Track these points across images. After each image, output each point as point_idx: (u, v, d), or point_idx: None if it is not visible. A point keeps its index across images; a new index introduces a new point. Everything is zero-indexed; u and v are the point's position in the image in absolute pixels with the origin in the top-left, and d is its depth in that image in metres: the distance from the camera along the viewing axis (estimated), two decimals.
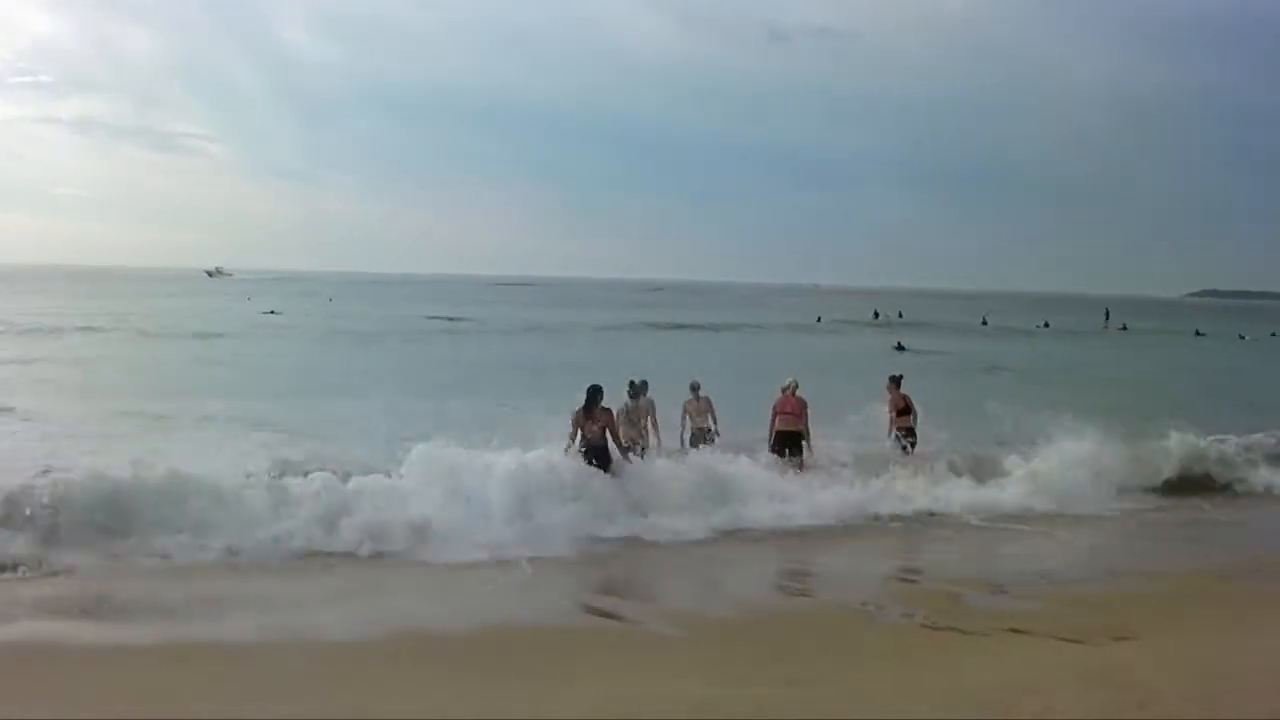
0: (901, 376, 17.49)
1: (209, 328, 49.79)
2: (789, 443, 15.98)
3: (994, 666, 8.26)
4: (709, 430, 16.44)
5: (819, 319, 70.61)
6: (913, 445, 16.72)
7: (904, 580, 11.07)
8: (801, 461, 15.91)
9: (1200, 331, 71.63)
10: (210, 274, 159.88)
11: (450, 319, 62.64)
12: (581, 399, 13.77)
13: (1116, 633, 9.18)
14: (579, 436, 13.74)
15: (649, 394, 15.96)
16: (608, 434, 13.79)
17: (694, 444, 16.11)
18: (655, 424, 15.97)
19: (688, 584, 11.29)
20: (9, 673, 7.84)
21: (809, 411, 16.17)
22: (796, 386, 16.43)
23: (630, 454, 14.54)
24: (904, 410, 16.98)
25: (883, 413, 17.02)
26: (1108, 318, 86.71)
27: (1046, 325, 72.73)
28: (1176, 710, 7.27)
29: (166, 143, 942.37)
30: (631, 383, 15.40)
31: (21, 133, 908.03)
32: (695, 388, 16.84)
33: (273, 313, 64.98)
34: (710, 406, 16.65)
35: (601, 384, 14.04)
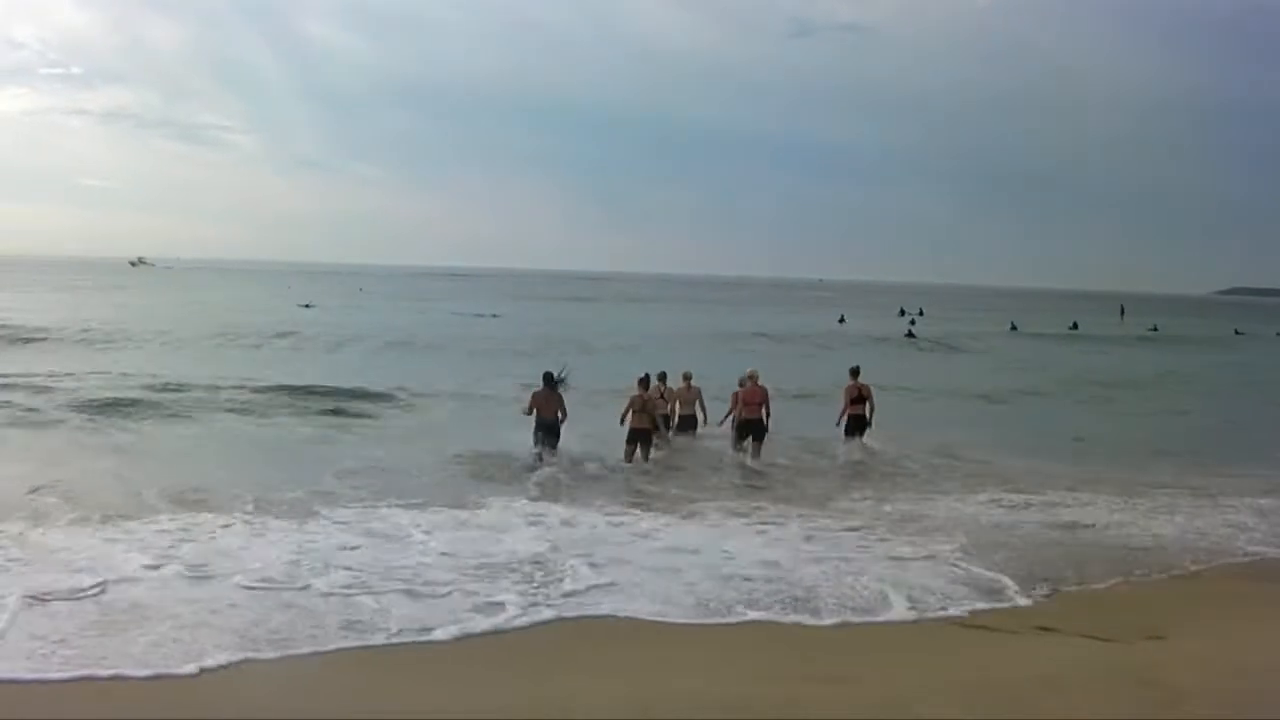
0: (859, 368, 19.03)
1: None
2: (751, 430, 17.41)
3: (1023, 664, 8.28)
4: (695, 417, 18.48)
5: (841, 319, 69.89)
6: (861, 431, 18.33)
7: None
8: (760, 448, 17.43)
9: (1239, 331, 70.31)
10: (133, 264, 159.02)
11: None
12: (539, 383, 16.75)
13: (1146, 631, 9.18)
14: (535, 412, 16.69)
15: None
16: (559, 414, 16.63)
17: (681, 429, 18.28)
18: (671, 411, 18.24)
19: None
20: None
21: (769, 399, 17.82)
22: (758, 376, 17.87)
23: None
24: (857, 399, 18.37)
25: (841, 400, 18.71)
26: (1123, 314, 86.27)
27: (1075, 327, 71.10)
28: (1206, 709, 7.27)
29: (193, 134, 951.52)
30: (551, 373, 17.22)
31: (51, 123, 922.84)
32: (687, 377, 18.64)
33: (308, 306, 65.71)
34: (699, 395, 18.54)
35: (553, 371, 16.91)
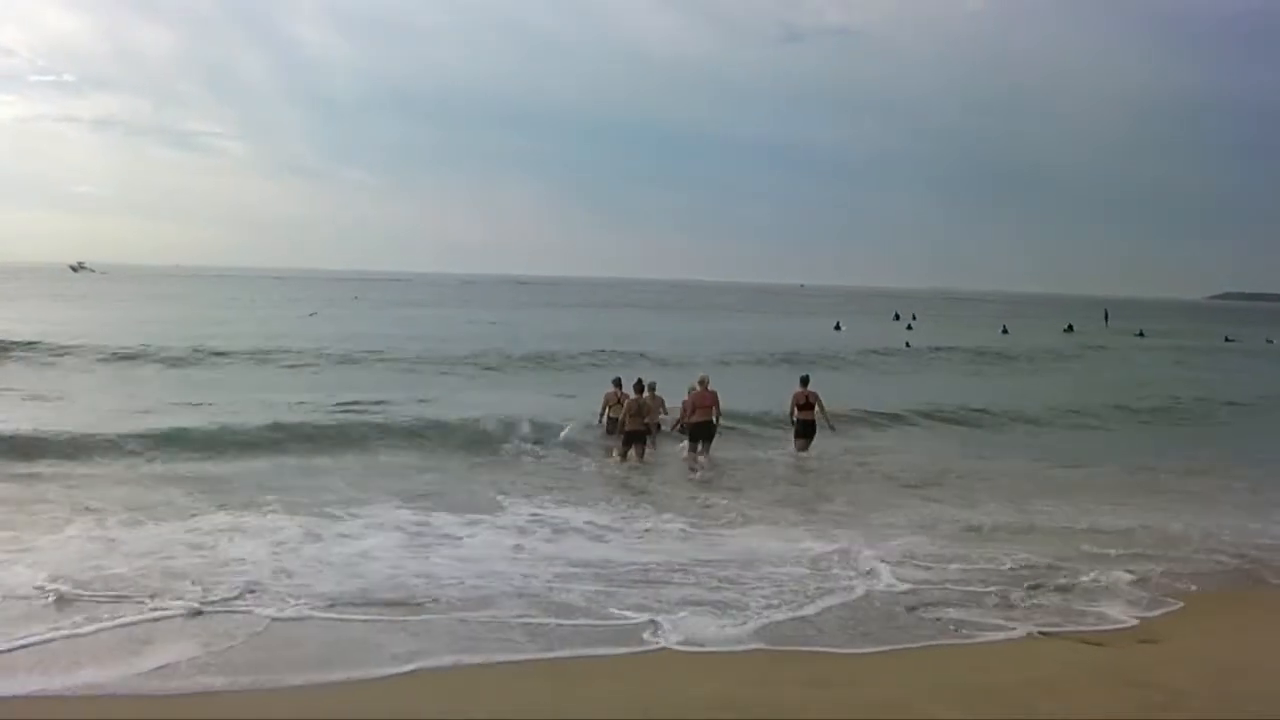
0: (808, 376, 20.06)
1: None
2: (703, 433, 18.40)
3: (1020, 667, 8.37)
4: (657, 425, 19.11)
5: (837, 325, 69.81)
6: (809, 435, 19.25)
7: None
8: (708, 447, 18.38)
9: (1230, 338, 69.89)
10: (74, 268, 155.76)
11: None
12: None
13: (1140, 635, 9.31)
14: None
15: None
16: None
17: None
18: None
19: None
20: None
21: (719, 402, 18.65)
22: (708, 381, 18.85)
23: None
24: (805, 405, 19.41)
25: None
26: (1106, 319, 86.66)
27: (1070, 329, 71.05)
28: (1201, 711, 7.37)
29: (185, 141, 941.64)
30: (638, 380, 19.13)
31: (42, 131, 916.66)
32: (651, 386, 19.48)
33: (313, 314, 63.82)
34: (661, 404, 19.34)
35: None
